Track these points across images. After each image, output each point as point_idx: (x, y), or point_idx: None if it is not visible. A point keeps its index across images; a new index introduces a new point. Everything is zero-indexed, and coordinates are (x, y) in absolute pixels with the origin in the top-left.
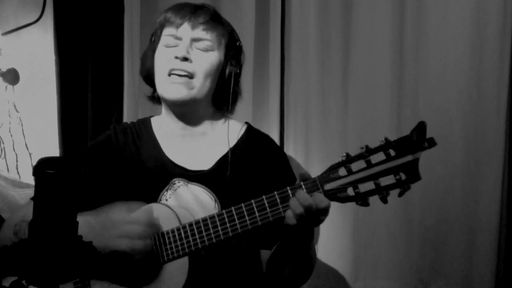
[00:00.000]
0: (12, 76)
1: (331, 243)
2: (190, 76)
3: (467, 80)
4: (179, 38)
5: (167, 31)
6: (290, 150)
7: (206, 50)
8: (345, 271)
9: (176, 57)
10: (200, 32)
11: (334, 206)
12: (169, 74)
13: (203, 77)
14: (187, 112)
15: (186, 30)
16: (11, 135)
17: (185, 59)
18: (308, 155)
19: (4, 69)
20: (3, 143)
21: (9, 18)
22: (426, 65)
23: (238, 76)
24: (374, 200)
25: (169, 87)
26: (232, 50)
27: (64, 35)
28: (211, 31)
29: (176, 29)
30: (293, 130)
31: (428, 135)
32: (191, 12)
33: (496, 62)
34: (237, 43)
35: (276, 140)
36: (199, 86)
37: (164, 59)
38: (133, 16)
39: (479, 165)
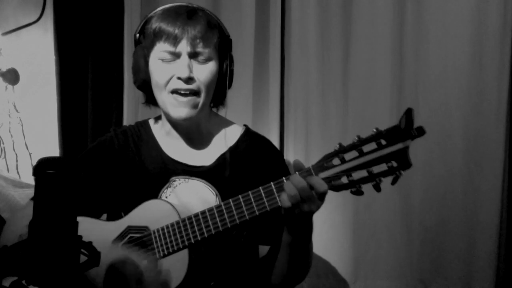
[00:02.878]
0: (12, 76)
1: (331, 243)
2: (195, 93)
3: (467, 80)
4: (177, 55)
5: (162, 46)
6: (290, 150)
7: (205, 61)
8: (345, 271)
9: (179, 78)
10: (199, 48)
11: (335, 207)
12: (172, 92)
13: (207, 91)
14: (187, 125)
15: (184, 47)
16: (11, 135)
17: (190, 79)
18: (308, 155)
19: (4, 69)
20: (3, 143)
21: (9, 18)
22: (426, 65)
23: (233, 71)
24: (374, 201)
25: (174, 107)
26: (224, 47)
27: (64, 35)
28: (209, 43)
29: (174, 46)
30: (293, 130)
31: (428, 135)
32: (186, 24)
33: (496, 62)
34: (228, 37)
35: (276, 140)
36: (204, 100)
37: (163, 77)
38: (133, 16)
39: (479, 165)
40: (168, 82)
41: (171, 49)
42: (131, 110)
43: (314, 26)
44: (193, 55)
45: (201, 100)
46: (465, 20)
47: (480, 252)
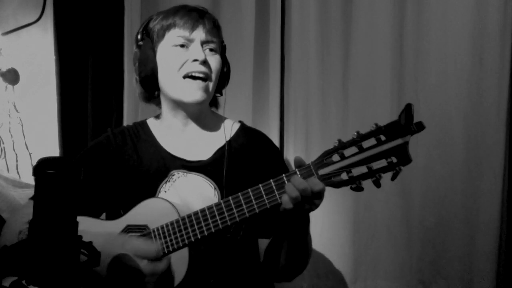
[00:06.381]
0: (12, 76)
1: (331, 243)
2: (205, 78)
3: (467, 80)
4: (191, 40)
5: (177, 32)
6: (290, 150)
7: (214, 52)
8: (345, 271)
9: (195, 60)
10: (209, 37)
11: (335, 207)
12: (184, 77)
13: (215, 79)
14: (196, 111)
15: (199, 33)
16: (11, 135)
17: (204, 62)
18: (308, 155)
19: (4, 69)
20: (3, 143)
21: (9, 18)
22: (426, 65)
23: (229, 73)
24: (374, 201)
25: (188, 91)
26: (222, 49)
27: (64, 35)
28: (217, 36)
29: (189, 31)
30: (293, 130)
31: (428, 135)
32: (200, 17)
33: (496, 62)
34: (223, 43)
35: (276, 140)
36: (212, 87)
37: (178, 61)
38: (133, 16)
39: (479, 165)
40: (182, 65)
41: (186, 34)
42: (131, 110)
43: (314, 26)
44: (204, 43)
45: (211, 85)
46: (465, 20)
47: (480, 252)
